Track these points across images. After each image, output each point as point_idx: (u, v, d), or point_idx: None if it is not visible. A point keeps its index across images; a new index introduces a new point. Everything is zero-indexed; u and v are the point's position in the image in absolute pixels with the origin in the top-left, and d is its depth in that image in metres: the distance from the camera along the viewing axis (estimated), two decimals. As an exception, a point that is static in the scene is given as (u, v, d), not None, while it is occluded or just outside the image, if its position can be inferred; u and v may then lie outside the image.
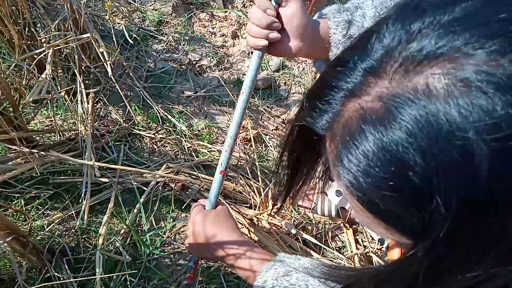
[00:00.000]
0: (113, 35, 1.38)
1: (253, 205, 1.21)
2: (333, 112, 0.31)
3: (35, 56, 1.21)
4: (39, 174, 1.15)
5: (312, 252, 1.12)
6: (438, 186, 0.24)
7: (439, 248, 0.26)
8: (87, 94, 1.34)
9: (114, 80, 1.22)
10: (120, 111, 1.41)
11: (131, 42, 1.24)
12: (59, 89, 1.29)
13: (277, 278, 0.64)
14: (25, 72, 1.26)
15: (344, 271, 0.40)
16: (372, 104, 0.27)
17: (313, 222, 1.22)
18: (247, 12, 1.76)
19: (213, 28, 1.74)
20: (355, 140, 0.27)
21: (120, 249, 1.06)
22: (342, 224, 1.22)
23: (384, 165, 0.26)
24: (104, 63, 1.16)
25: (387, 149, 0.26)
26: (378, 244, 1.18)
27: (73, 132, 1.29)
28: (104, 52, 1.19)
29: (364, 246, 1.19)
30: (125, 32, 1.24)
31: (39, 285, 0.73)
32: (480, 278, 0.28)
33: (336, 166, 0.30)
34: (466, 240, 0.26)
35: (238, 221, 1.14)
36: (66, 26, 1.32)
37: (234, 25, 1.74)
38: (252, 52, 0.70)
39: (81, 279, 0.96)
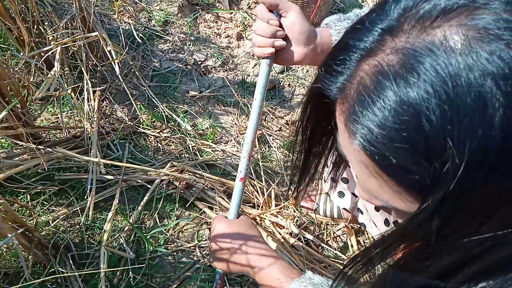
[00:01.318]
0: (120, 34, 1.40)
1: (256, 205, 1.22)
2: (347, 73, 0.31)
3: (42, 54, 1.22)
4: (45, 170, 1.16)
5: (314, 252, 1.13)
6: (452, 134, 0.24)
7: (447, 204, 0.27)
8: (94, 92, 1.35)
9: (121, 79, 1.23)
10: (125, 110, 1.42)
11: (139, 41, 1.25)
12: (66, 86, 1.30)
13: None
14: (33, 69, 1.28)
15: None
16: (390, 58, 0.28)
17: (315, 222, 1.23)
18: (252, 14, 1.78)
19: (218, 29, 1.75)
20: (372, 94, 0.28)
21: (124, 246, 1.07)
22: (344, 225, 1.23)
23: (400, 117, 0.26)
24: (112, 62, 1.17)
25: (405, 101, 0.26)
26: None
27: (79, 129, 1.31)
28: (112, 51, 1.20)
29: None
30: (134, 31, 1.25)
31: (45, 278, 0.74)
32: (487, 244, 0.28)
33: (349, 124, 0.30)
34: (474, 196, 0.26)
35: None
36: (74, 24, 1.34)
37: (239, 26, 1.76)
38: (260, 63, 0.72)
39: (85, 272, 0.97)
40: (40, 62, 1.08)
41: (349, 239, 1.20)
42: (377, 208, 0.98)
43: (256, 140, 1.37)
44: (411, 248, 0.33)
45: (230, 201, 1.19)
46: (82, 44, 1.29)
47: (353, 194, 1.13)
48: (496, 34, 0.24)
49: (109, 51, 1.21)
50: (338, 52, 0.33)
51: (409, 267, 0.35)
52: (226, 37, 1.72)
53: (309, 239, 1.16)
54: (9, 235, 0.85)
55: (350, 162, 0.35)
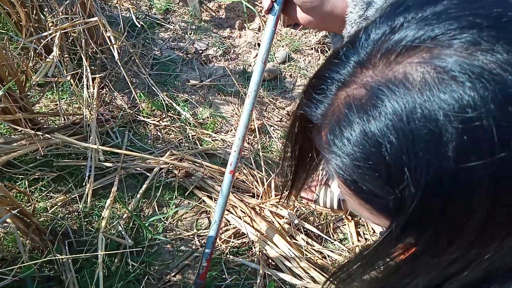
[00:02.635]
0: (120, 21, 1.38)
1: (255, 195, 1.21)
2: (327, 102, 0.34)
3: (42, 40, 1.21)
4: (44, 156, 1.15)
5: (313, 242, 1.12)
6: (409, 165, 0.26)
7: (411, 226, 0.29)
8: (93, 79, 1.34)
9: (120, 65, 1.22)
10: (125, 98, 1.41)
11: (139, 26, 1.23)
12: (65, 73, 1.29)
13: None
14: (32, 54, 1.26)
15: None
16: (357, 92, 0.30)
17: (315, 213, 1.22)
18: (255, 4, 1.76)
19: (220, 18, 1.73)
20: (341, 126, 0.30)
21: (123, 233, 1.06)
22: (344, 216, 1.22)
23: (364, 147, 0.29)
24: (111, 47, 1.15)
25: (367, 133, 0.28)
26: (379, 236, 1.18)
27: (77, 116, 1.29)
28: (111, 37, 1.18)
29: (366, 239, 1.19)
30: (133, 17, 1.23)
31: (43, 260, 0.73)
32: (456, 267, 0.30)
33: (326, 151, 0.33)
34: (435, 220, 0.28)
35: (241, 210, 1.14)
36: (73, 10, 1.32)
37: (241, 16, 1.74)
38: (266, 22, 0.70)
39: (83, 256, 0.97)
40: (40, 47, 1.06)
41: (349, 230, 1.19)
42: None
43: (257, 130, 1.36)
44: (390, 268, 0.35)
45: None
46: (81, 30, 1.28)
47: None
48: (453, 75, 0.25)
49: (109, 37, 1.19)
50: (317, 82, 0.35)
51: (390, 283, 0.37)
52: (228, 27, 1.70)
53: (309, 230, 1.15)
54: (8, 220, 0.84)
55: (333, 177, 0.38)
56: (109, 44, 1.17)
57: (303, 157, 0.50)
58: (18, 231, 0.92)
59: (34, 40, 1.16)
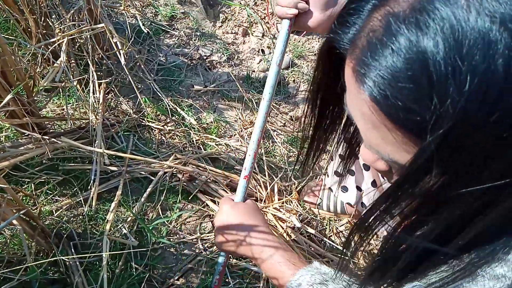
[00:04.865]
0: (127, 27, 1.40)
1: (259, 199, 1.22)
2: (359, 24, 0.33)
3: (49, 46, 1.23)
4: (50, 160, 1.17)
5: (316, 246, 1.12)
6: (454, 71, 0.25)
7: (446, 146, 0.27)
8: (99, 85, 1.36)
9: (126, 70, 1.24)
10: (130, 103, 1.42)
11: (145, 32, 1.25)
12: (72, 78, 1.31)
13: (312, 284, 0.60)
14: (40, 60, 1.28)
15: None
16: (401, 4, 0.29)
17: (318, 217, 1.22)
18: (258, 11, 1.78)
19: (224, 25, 1.75)
20: (383, 39, 0.29)
21: (127, 236, 1.07)
22: (347, 221, 1.22)
23: (408, 59, 0.27)
24: (117, 52, 1.17)
25: (414, 44, 0.27)
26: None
27: (84, 120, 1.31)
28: (118, 42, 1.21)
29: (369, 243, 1.19)
30: (140, 22, 1.25)
31: (47, 260, 0.74)
32: (487, 198, 0.29)
33: (358, 69, 0.31)
34: (473, 138, 0.26)
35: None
36: (80, 17, 1.34)
37: (245, 23, 1.76)
38: (281, 26, 0.72)
39: (88, 256, 0.97)
40: (48, 52, 1.09)
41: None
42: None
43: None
44: (412, 208, 0.33)
45: (233, 194, 1.19)
46: (88, 36, 1.30)
47: (357, 188, 1.12)
48: None
49: (115, 43, 1.21)
50: (351, 4, 0.34)
51: (411, 229, 0.35)
52: (232, 33, 1.73)
53: (312, 234, 1.15)
54: (14, 222, 0.85)
55: (355, 118, 0.36)
56: (116, 49, 1.20)
57: (323, 110, 0.49)
58: (24, 234, 0.93)
59: (43, 46, 1.18)
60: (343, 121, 0.54)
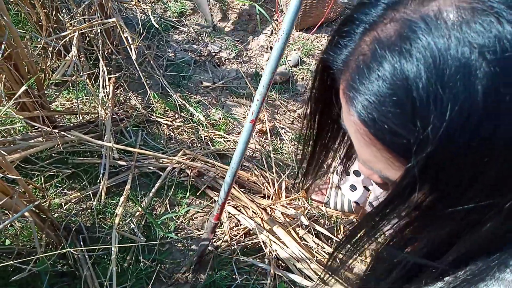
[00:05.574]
0: (137, 22, 1.40)
1: (266, 196, 1.22)
2: (352, 46, 0.34)
3: (59, 41, 1.24)
4: (59, 153, 1.18)
5: (324, 245, 1.12)
6: (435, 98, 0.26)
7: (431, 168, 0.28)
8: (108, 79, 1.36)
9: (136, 65, 1.24)
10: (139, 98, 1.43)
11: (156, 27, 1.25)
12: (81, 73, 1.31)
13: None
14: (51, 54, 1.29)
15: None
16: (388, 29, 0.30)
17: (326, 216, 1.22)
18: (267, 9, 1.78)
19: (233, 22, 1.75)
20: (368, 64, 0.30)
21: (135, 231, 1.07)
22: (354, 219, 1.22)
23: (392, 84, 0.28)
24: (128, 47, 1.17)
25: (396, 68, 0.28)
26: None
27: (93, 115, 1.32)
28: (129, 37, 1.21)
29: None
30: (151, 17, 1.25)
31: (56, 252, 0.74)
32: (474, 217, 0.30)
33: (348, 92, 0.32)
34: (457, 160, 0.27)
35: (252, 211, 1.15)
36: (90, 11, 1.35)
37: (254, 20, 1.76)
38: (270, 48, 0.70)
39: (99, 246, 0.98)
40: (59, 45, 1.09)
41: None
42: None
43: (269, 132, 1.37)
44: (401, 225, 0.34)
45: (240, 190, 1.19)
46: (98, 31, 1.30)
47: (365, 187, 1.12)
48: (489, 5, 0.25)
49: (126, 37, 1.22)
50: (344, 26, 0.34)
51: (400, 245, 0.36)
52: (241, 30, 1.72)
53: (319, 232, 1.15)
54: (26, 214, 0.86)
55: (349, 134, 0.37)
56: (126, 44, 1.20)
57: (322, 125, 0.50)
58: (35, 226, 0.93)
59: (54, 39, 1.18)
60: (341, 135, 0.54)
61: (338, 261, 0.45)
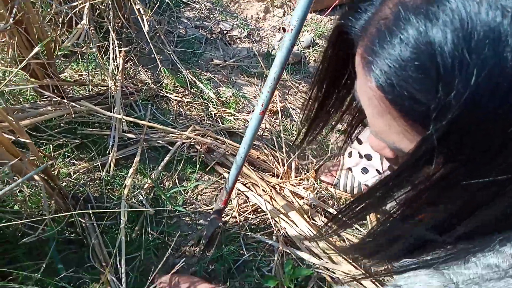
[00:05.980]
0: (149, -4, 1.38)
1: (275, 175, 1.21)
2: (372, 11, 0.32)
3: (69, 12, 1.21)
4: (68, 123, 1.16)
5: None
6: (461, 63, 0.25)
7: (450, 138, 0.27)
8: (119, 52, 1.34)
9: (148, 38, 1.22)
10: (148, 72, 1.41)
11: (168, 1, 1.23)
12: (92, 44, 1.29)
13: None
14: (61, 24, 1.27)
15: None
16: None
17: (335, 197, 1.21)
18: (281, -12, 1.74)
19: (246, 0, 1.72)
20: (393, 28, 0.28)
21: (144, 202, 1.07)
22: (363, 202, 1.21)
23: (416, 49, 0.27)
24: (139, 18, 1.15)
25: (423, 34, 0.26)
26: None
27: (102, 87, 1.30)
28: (141, 9, 1.18)
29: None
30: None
31: (66, 218, 0.73)
32: (492, 189, 0.29)
33: (367, 57, 0.31)
34: (484, 125, 0.26)
35: (262, 188, 1.14)
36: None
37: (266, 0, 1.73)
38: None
39: (106, 211, 0.97)
40: (71, 13, 1.07)
41: (369, 216, 1.18)
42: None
43: (280, 112, 1.35)
44: (408, 197, 0.33)
45: (250, 168, 1.18)
46: (110, 3, 1.28)
47: (377, 171, 1.11)
48: None
49: (138, 9, 1.19)
50: None
51: (406, 218, 0.35)
52: (253, 9, 1.69)
53: (328, 212, 1.14)
54: (35, 177, 0.85)
55: (363, 104, 0.35)
56: (138, 15, 1.17)
57: (330, 92, 0.49)
58: (44, 192, 0.93)
59: (66, 7, 1.16)
60: (347, 103, 0.53)
61: (340, 221, 0.45)
